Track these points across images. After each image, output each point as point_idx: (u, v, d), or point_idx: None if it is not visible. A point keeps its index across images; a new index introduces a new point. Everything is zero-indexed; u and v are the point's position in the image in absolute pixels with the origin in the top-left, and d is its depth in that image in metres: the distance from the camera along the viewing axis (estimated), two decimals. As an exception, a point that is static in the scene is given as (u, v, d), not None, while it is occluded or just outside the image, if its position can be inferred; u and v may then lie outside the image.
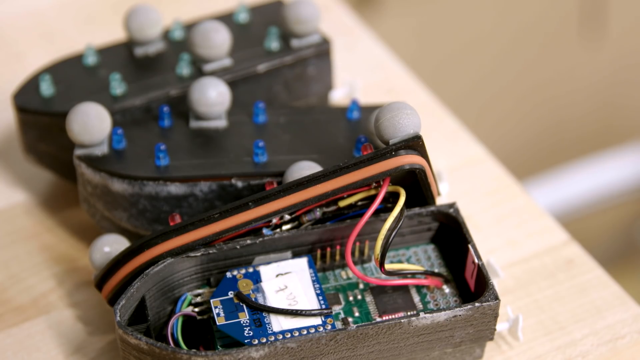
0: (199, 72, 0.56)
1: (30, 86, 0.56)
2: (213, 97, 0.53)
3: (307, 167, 0.50)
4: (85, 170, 0.52)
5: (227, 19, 0.60)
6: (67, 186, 0.58)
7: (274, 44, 0.58)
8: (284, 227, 0.49)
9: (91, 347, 0.51)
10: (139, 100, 0.55)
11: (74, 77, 0.57)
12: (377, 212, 0.49)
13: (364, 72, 0.67)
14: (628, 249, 1.28)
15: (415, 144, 0.48)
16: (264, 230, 0.49)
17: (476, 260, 0.48)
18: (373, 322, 0.46)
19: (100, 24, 0.70)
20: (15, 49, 0.68)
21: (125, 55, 0.58)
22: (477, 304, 0.47)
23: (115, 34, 0.64)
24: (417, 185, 0.49)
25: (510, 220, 0.58)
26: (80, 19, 0.71)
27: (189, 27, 0.59)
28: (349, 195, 0.49)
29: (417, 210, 0.50)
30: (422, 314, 0.46)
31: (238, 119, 0.55)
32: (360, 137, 0.52)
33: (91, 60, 0.57)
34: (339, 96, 0.62)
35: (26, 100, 0.55)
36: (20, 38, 0.69)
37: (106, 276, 0.48)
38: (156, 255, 0.47)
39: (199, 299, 0.48)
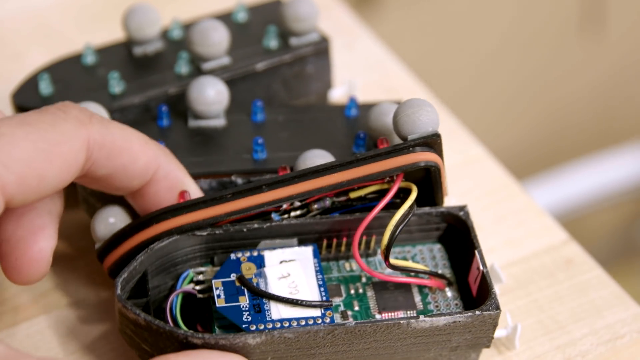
0: (197, 70, 0.56)
1: (29, 85, 0.56)
2: (211, 95, 0.53)
3: (319, 155, 0.50)
4: (84, 169, 0.52)
5: (225, 18, 0.60)
6: (66, 186, 0.58)
7: (272, 43, 0.58)
8: (293, 214, 0.49)
9: (91, 346, 0.51)
10: (137, 99, 0.55)
11: (73, 76, 0.57)
12: (386, 207, 0.49)
13: (363, 71, 0.67)
14: (628, 249, 1.28)
15: (433, 141, 0.48)
16: (273, 215, 0.48)
17: (481, 267, 0.48)
18: (372, 320, 0.46)
19: (99, 23, 0.70)
20: (14, 49, 0.68)
21: (124, 55, 0.58)
22: (477, 312, 0.46)
23: (114, 34, 0.64)
24: (426, 184, 0.49)
25: (510, 220, 0.58)
26: (79, 18, 0.71)
27: (188, 27, 0.59)
28: (361, 187, 0.49)
29: (427, 209, 0.50)
30: (421, 317, 0.46)
31: (237, 118, 0.55)
32: (359, 132, 0.52)
33: (90, 59, 0.57)
34: (338, 95, 0.61)
35: (25, 99, 0.55)
36: (19, 37, 0.69)
37: (109, 247, 0.48)
38: (164, 230, 0.47)
39: (200, 277, 0.48)
